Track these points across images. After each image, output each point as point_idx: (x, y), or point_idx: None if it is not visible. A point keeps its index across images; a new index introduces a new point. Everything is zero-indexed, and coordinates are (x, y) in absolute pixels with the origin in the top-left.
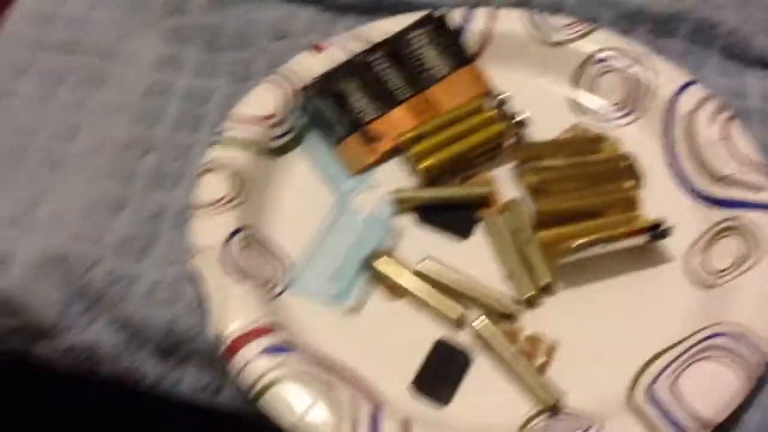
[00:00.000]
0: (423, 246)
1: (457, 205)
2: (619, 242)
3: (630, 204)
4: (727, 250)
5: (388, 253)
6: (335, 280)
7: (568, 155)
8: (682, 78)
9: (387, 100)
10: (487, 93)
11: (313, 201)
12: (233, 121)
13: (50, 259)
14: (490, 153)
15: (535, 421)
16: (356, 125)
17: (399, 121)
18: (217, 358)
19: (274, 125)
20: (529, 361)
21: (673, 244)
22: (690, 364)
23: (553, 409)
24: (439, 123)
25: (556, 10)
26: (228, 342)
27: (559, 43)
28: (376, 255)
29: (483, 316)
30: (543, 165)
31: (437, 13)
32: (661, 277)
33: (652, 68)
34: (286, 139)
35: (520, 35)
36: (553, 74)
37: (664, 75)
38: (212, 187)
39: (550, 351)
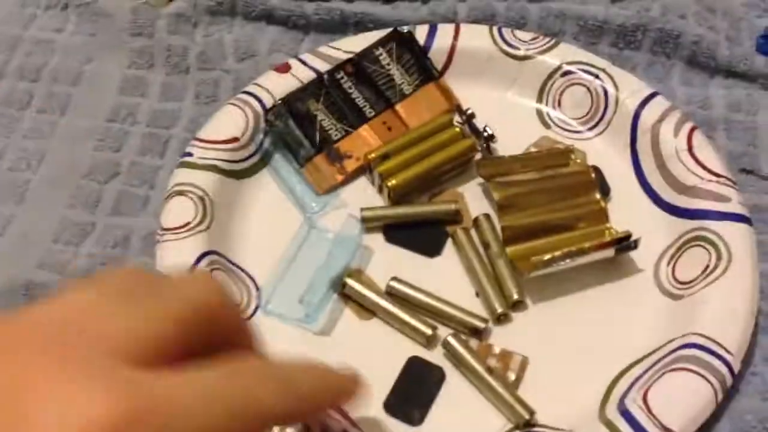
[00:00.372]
0: (392, 264)
1: (426, 223)
2: (589, 255)
3: (598, 217)
4: (694, 261)
5: (358, 272)
6: (305, 301)
7: (535, 169)
8: (645, 90)
9: (353, 119)
10: (454, 108)
11: (281, 222)
12: (198, 145)
13: (15, 288)
14: (458, 169)
15: None
16: (323, 145)
17: (366, 140)
18: None
19: (240, 148)
20: (501, 378)
21: (641, 256)
22: (660, 376)
23: (526, 425)
24: (406, 140)
25: (520, 24)
26: None
27: (524, 57)
28: (345, 275)
29: (452, 335)
30: (510, 180)
31: (403, 30)
32: (631, 289)
33: (615, 81)
34: (252, 161)
35: (484, 50)
36: (518, 88)
37: (627, 87)
38: (178, 211)
39: (522, 366)
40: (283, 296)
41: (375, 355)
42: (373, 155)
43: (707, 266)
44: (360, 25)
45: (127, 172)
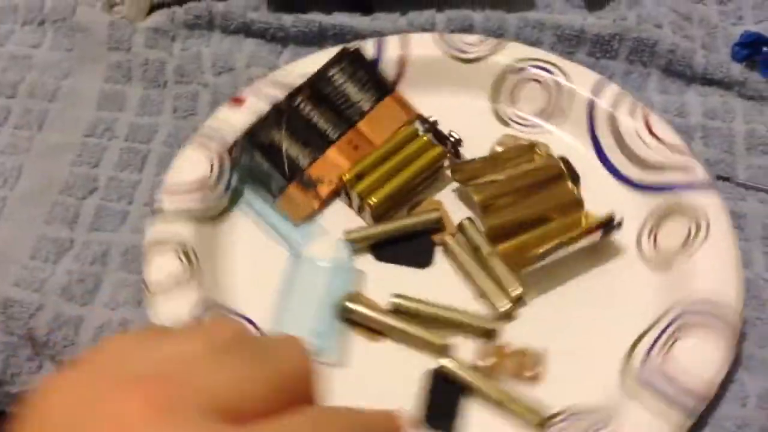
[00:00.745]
0: (387, 282)
1: (411, 235)
2: (579, 242)
3: (575, 204)
4: (674, 231)
5: (357, 296)
6: (315, 335)
7: (506, 168)
8: (595, 78)
9: (319, 143)
10: (415, 119)
11: (266, 258)
12: (166, 193)
13: None
14: (431, 178)
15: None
16: (293, 174)
17: (335, 162)
18: None
19: (209, 189)
20: (516, 377)
21: (622, 236)
22: (673, 342)
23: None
24: (376, 157)
25: (499, 35)
26: None
27: (474, 60)
28: (347, 300)
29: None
30: (484, 181)
31: (350, 48)
32: (621, 268)
33: (565, 73)
34: (224, 201)
35: (435, 57)
36: (473, 90)
37: (578, 78)
38: (161, 266)
39: (539, 361)
40: (289, 333)
41: (393, 373)
42: (347, 176)
43: (689, 234)
44: (338, 37)
45: (105, 187)
